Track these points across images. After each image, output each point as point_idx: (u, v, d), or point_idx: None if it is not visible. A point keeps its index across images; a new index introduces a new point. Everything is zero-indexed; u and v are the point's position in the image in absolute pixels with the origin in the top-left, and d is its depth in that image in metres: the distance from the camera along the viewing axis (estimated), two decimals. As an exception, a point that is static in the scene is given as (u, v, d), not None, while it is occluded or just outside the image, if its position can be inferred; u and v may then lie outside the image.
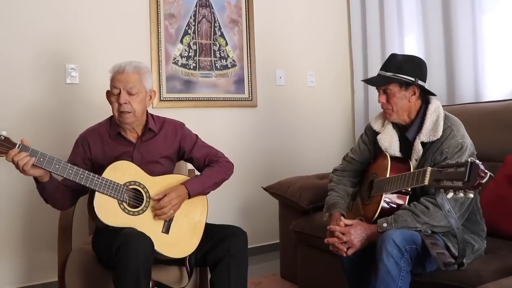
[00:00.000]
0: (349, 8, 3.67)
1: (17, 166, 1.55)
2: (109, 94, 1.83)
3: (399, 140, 1.82)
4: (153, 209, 1.74)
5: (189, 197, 1.81)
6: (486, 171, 1.26)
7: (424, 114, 1.76)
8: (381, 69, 1.82)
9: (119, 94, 1.77)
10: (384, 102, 1.80)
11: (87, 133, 1.89)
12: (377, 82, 1.82)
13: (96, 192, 1.65)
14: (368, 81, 1.89)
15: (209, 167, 1.93)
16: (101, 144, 1.85)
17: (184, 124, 2.02)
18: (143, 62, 1.88)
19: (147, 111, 1.90)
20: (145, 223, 1.70)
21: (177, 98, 2.98)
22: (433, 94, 1.82)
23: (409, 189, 1.66)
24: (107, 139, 1.86)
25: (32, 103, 2.54)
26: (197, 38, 3.06)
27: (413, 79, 1.74)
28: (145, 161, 1.85)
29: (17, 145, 1.54)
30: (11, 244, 2.50)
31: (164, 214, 1.73)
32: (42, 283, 2.55)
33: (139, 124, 1.87)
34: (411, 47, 3.14)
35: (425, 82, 1.78)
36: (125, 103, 1.76)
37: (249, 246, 1.83)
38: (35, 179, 1.65)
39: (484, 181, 1.26)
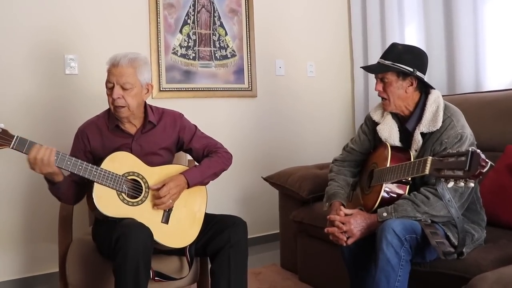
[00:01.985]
0: (349, -3, 3.65)
1: (40, 162, 1.53)
2: None
3: (399, 131, 1.82)
4: (152, 199, 1.74)
5: (188, 186, 1.81)
6: (487, 160, 1.25)
7: (424, 105, 1.75)
8: (381, 57, 1.81)
9: (112, 88, 1.75)
10: (380, 90, 1.79)
11: (85, 126, 1.88)
12: (375, 69, 1.81)
13: (94, 183, 1.65)
14: (367, 68, 1.88)
15: (208, 158, 1.92)
16: (100, 137, 1.84)
17: (183, 115, 2.00)
18: (140, 54, 1.84)
19: (145, 102, 1.89)
20: (144, 213, 1.70)
21: (176, 88, 2.96)
22: (431, 87, 1.80)
23: (409, 179, 1.66)
24: (106, 131, 1.85)
25: (31, 95, 2.53)
26: (196, 28, 3.04)
27: (411, 69, 1.72)
28: (144, 152, 1.84)
29: (15, 137, 1.53)
30: (12, 236, 2.50)
31: (163, 204, 1.73)
32: (43, 273, 2.56)
33: (136, 117, 1.85)
34: (412, 37, 3.11)
35: (424, 74, 1.77)
36: (119, 97, 1.74)
37: (249, 236, 1.83)
38: (48, 180, 1.65)
39: (485, 170, 1.25)
